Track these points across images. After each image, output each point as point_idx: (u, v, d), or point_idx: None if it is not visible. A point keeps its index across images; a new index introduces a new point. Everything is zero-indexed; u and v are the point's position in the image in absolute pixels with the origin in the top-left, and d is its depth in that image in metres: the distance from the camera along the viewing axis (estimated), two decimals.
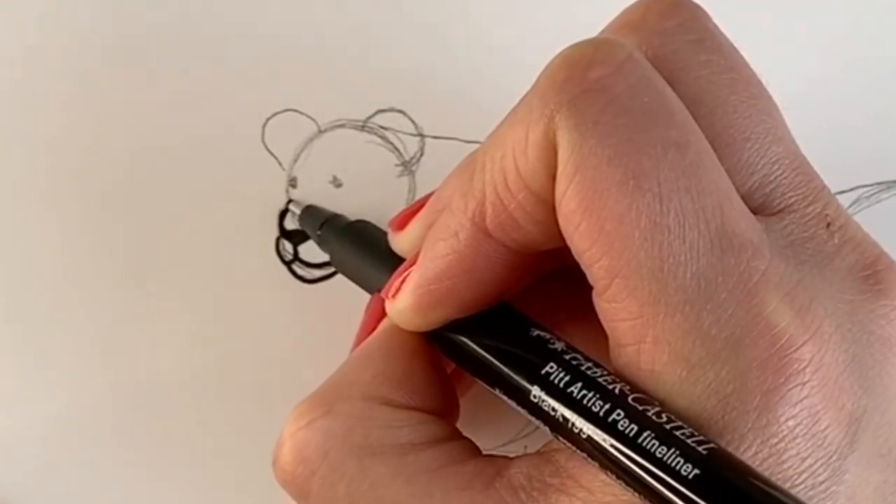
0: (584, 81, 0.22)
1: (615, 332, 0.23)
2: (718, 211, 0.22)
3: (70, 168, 0.35)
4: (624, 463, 0.22)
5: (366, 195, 0.35)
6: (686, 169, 0.22)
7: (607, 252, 0.22)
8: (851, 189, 0.36)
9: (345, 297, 0.34)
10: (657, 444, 0.21)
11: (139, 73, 0.36)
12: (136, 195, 0.35)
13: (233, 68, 0.36)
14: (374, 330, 0.28)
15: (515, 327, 0.25)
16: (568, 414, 0.23)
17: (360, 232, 0.33)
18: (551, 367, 0.24)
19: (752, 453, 0.21)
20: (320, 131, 0.36)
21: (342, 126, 0.36)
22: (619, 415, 0.22)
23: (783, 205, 0.24)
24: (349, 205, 0.35)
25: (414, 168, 0.36)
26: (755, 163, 0.24)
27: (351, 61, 0.36)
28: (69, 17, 0.36)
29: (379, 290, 0.29)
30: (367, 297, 0.32)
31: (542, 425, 0.24)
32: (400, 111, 0.36)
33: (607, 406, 0.22)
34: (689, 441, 0.21)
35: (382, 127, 0.36)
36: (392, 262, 0.29)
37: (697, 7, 0.25)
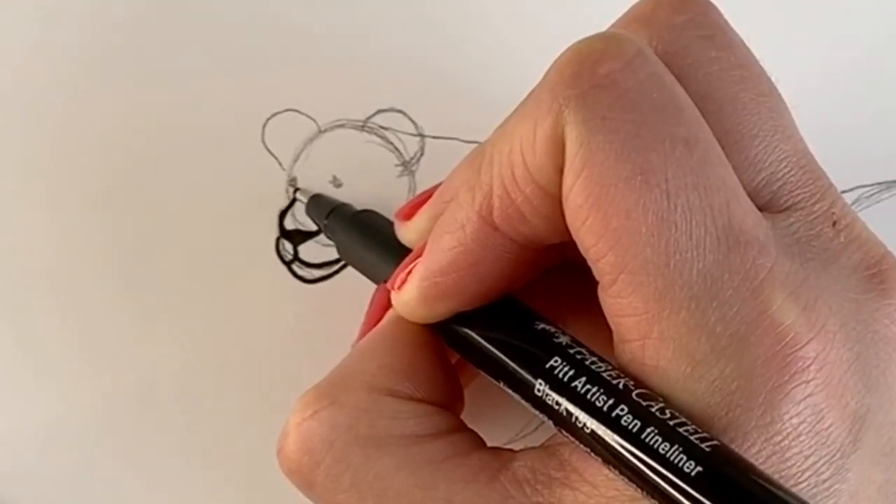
0: (594, 76, 0.22)
1: (620, 327, 0.23)
2: (725, 208, 0.22)
3: (69, 168, 0.35)
4: (627, 458, 0.22)
5: (366, 195, 0.35)
6: (694, 166, 0.22)
7: (613, 247, 0.22)
8: (851, 189, 0.36)
9: (345, 296, 0.34)
10: (660, 440, 0.21)
11: (139, 73, 0.36)
12: (136, 195, 0.35)
13: (233, 68, 0.36)
14: (379, 320, 0.28)
15: (520, 320, 0.25)
16: (571, 408, 0.23)
17: (367, 222, 0.33)
18: (556, 361, 0.24)
19: (755, 451, 0.21)
20: (320, 131, 0.36)
21: (342, 126, 0.36)
22: (622, 410, 0.22)
23: (790, 202, 0.24)
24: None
25: (414, 168, 0.36)
26: (763, 160, 0.24)
27: (351, 61, 0.36)
28: (68, 17, 0.36)
29: (385, 281, 0.29)
30: (367, 296, 0.32)
31: (545, 419, 0.24)
32: (400, 111, 0.36)
33: (611, 401, 0.22)
34: (692, 438, 0.21)
35: (382, 127, 0.36)
36: (398, 252, 0.29)
37: (708, 3, 0.25)
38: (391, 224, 0.30)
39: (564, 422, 0.23)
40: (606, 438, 0.22)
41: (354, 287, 0.33)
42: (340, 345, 0.32)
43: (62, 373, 0.34)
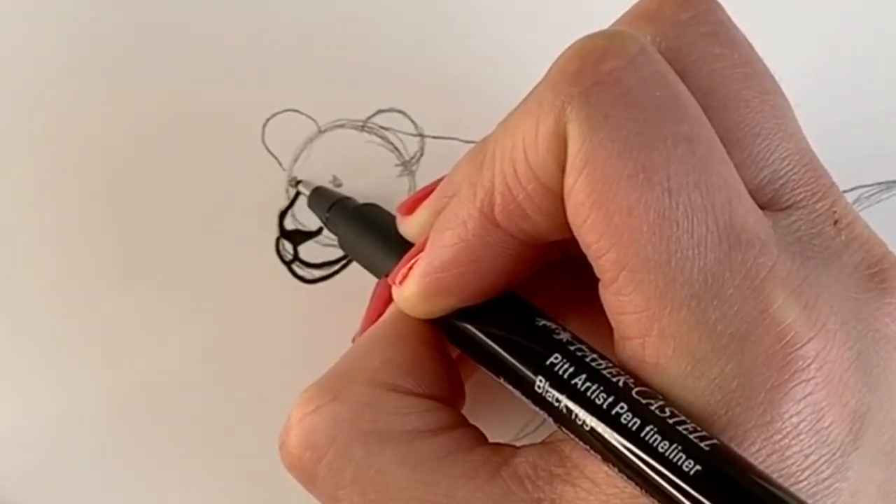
0: (596, 73, 0.22)
1: (621, 324, 0.23)
2: (727, 207, 0.22)
3: (69, 168, 0.35)
4: (626, 456, 0.22)
5: (366, 195, 0.35)
6: (696, 164, 0.22)
7: (615, 245, 0.22)
8: (851, 189, 0.36)
9: (345, 296, 0.34)
10: (659, 438, 0.21)
11: (139, 74, 0.36)
12: (136, 195, 0.35)
13: (233, 68, 0.36)
14: (380, 314, 0.28)
15: (521, 316, 0.25)
16: (571, 405, 0.23)
17: (369, 215, 0.33)
18: (556, 358, 0.24)
19: (755, 449, 0.21)
20: (320, 131, 0.36)
21: (342, 126, 0.36)
22: (622, 408, 0.22)
23: (791, 201, 0.24)
24: None
25: (414, 168, 0.36)
26: (765, 158, 0.24)
27: (351, 61, 0.36)
28: (68, 17, 0.36)
29: (386, 275, 0.29)
30: (367, 296, 0.32)
31: (545, 415, 0.24)
32: (400, 111, 0.36)
33: (611, 399, 0.22)
34: (691, 437, 0.21)
35: (382, 127, 0.36)
36: (400, 246, 0.29)
37: (713, 0, 0.25)
38: (393, 218, 0.30)
39: (564, 419, 0.23)
40: (606, 436, 0.22)
41: (354, 287, 0.33)
42: (340, 344, 0.32)
43: (62, 373, 0.34)
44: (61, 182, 0.35)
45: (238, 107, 0.36)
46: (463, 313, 0.26)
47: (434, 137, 0.36)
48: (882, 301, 0.23)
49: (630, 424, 0.22)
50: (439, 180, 0.28)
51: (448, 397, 0.27)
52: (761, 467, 0.21)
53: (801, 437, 0.21)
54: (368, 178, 0.35)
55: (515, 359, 0.25)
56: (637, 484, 0.22)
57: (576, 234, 0.23)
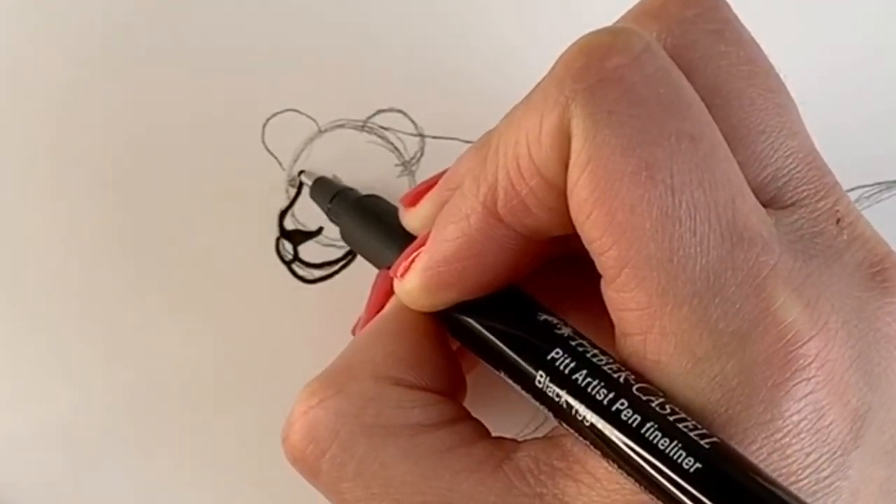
0: (601, 70, 0.22)
1: (622, 321, 0.23)
2: (730, 204, 0.22)
3: (69, 169, 0.35)
4: (625, 453, 0.22)
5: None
6: (699, 161, 0.22)
7: (617, 241, 0.22)
8: (851, 189, 0.36)
9: (345, 296, 0.34)
10: (659, 435, 0.21)
11: (139, 74, 0.36)
12: (136, 195, 0.35)
13: (233, 68, 0.36)
14: (382, 306, 0.28)
15: (523, 311, 0.25)
16: (571, 401, 0.23)
17: (372, 206, 0.33)
18: (557, 353, 0.24)
19: (755, 448, 0.21)
20: (320, 131, 0.36)
21: (342, 126, 0.36)
22: (622, 404, 0.22)
23: (794, 199, 0.24)
24: None
25: (414, 168, 0.36)
26: (769, 156, 0.24)
27: (351, 61, 0.36)
28: (68, 17, 0.36)
29: (388, 267, 0.29)
30: (367, 296, 0.32)
31: (546, 410, 0.24)
32: (400, 111, 0.36)
33: (611, 395, 0.22)
34: (691, 434, 0.21)
35: (382, 127, 0.36)
36: (402, 238, 0.29)
37: None
38: (395, 209, 0.30)
39: (564, 414, 0.23)
40: (606, 432, 0.22)
41: (354, 287, 0.33)
42: (340, 344, 0.31)
43: (63, 373, 0.34)
44: (61, 182, 0.35)
45: (238, 107, 0.36)
46: (464, 307, 0.26)
47: (434, 137, 0.36)
48: (884, 300, 0.23)
49: (630, 421, 0.22)
50: (442, 173, 0.28)
51: (450, 391, 0.27)
52: (762, 466, 0.21)
53: (802, 435, 0.21)
54: (368, 177, 0.35)
55: (516, 353, 0.25)
56: (637, 480, 0.22)
57: (578, 230, 0.23)
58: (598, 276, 0.23)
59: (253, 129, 0.36)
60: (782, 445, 0.21)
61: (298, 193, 0.35)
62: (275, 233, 0.35)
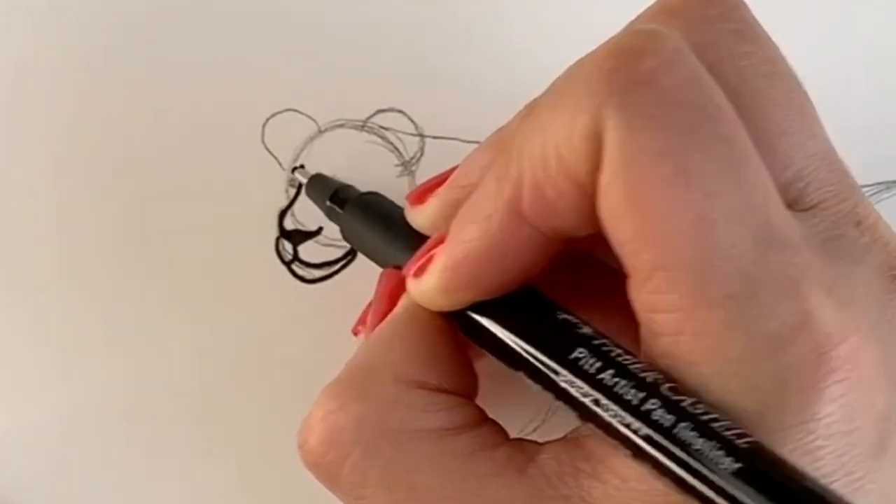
0: (634, 73, 0.22)
1: (652, 322, 0.22)
2: (763, 207, 0.22)
3: (70, 169, 0.35)
4: (657, 454, 0.21)
5: None
6: (734, 164, 0.22)
7: (651, 245, 0.21)
8: None
9: (345, 296, 0.34)
10: (695, 434, 0.21)
11: (139, 74, 0.36)
12: (136, 195, 0.35)
13: (233, 68, 0.36)
14: (390, 306, 0.28)
15: (542, 310, 0.25)
16: (601, 400, 0.22)
17: (373, 204, 0.32)
18: (581, 352, 0.23)
19: (789, 449, 0.21)
20: (320, 131, 0.36)
21: (342, 126, 0.36)
22: (653, 404, 0.22)
23: (815, 201, 0.24)
24: None
25: (414, 168, 0.36)
26: (791, 157, 0.24)
27: (351, 61, 0.36)
28: (68, 17, 0.36)
29: (397, 267, 0.28)
30: (367, 296, 0.32)
31: (570, 410, 0.24)
32: (400, 111, 0.36)
33: (641, 395, 0.22)
34: (727, 434, 0.21)
35: (382, 127, 0.36)
36: (408, 236, 0.28)
37: None
38: (398, 207, 0.30)
39: (591, 414, 0.23)
40: (637, 433, 0.22)
41: (354, 287, 0.33)
42: (340, 344, 0.31)
43: (63, 373, 0.34)
44: (61, 183, 0.35)
45: (238, 107, 0.36)
46: (482, 306, 0.26)
47: (434, 137, 0.36)
48: None
49: (663, 421, 0.21)
50: (450, 170, 0.27)
51: (466, 391, 0.26)
52: (797, 466, 0.21)
53: (834, 437, 0.21)
54: (368, 177, 0.35)
55: (538, 353, 0.24)
56: (671, 480, 0.21)
57: (608, 231, 0.23)
58: (610, 274, 0.23)
59: (253, 129, 0.36)
60: (815, 448, 0.21)
61: (298, 193, 0.35)
62: (274, 233, 0.35)
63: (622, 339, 0.24)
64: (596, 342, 0.23)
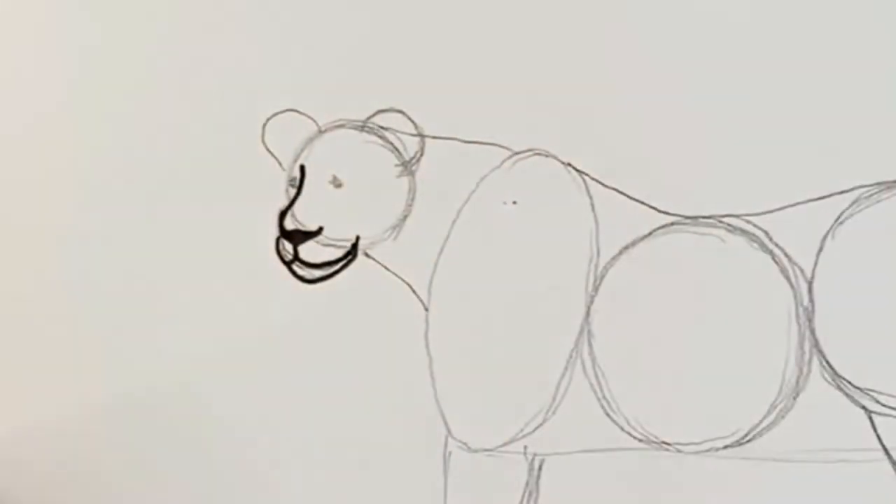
0: None
1: None
2: None
3: (70, 169, 0.35)
4: None
5: (366, 195, 0.35)
6: None
7: None
8: (851, 189, 0.36)
9: (345, 296, 0.34)
10: None
11: (139, 74, 0.36)
12: (137, 195, 0.35)
13: (233, 68, 0.36)
14: None
15: None
16: None
17: None
18: None
19: None
20: (320, 131, 0.36)
21: (342, 126, 0.36)
22: None
23: None
24: (349, 205, 0.35)
25: (414, 168, 0.36)
26: None
27: (351, 62, 0.36)
28: (69, 17, 0.36)
29: None
30: (367, 296, 0.32)
31: None
32: (400, 111, 0.36)
33: None
34: None
35: (382, 127, 0.36)
36: None
37: None
38: None
39: None
40: None
41: (354, 287, 0.33)
42: (340, 345, 0.32)
43: (61, 375, 0.34)
44: (61, 183, 0.35)
45: (238, 107, 0.36)
46: None
47: (434, 137, 0.36)
48: None
49: None
50: None
51: None
52: None
53: None
54: (368, 178, 0.35)
55: None
56: None
57: None
58: None
59: (253, 129, 0.36)
60: None
61: (298, 193, 0.35)
62: (275, 233, 0.35)
63: None
64: None
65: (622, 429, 0.45)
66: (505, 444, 0.34)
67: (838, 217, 0.42)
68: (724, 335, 0.41)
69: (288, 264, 0.35)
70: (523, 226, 0.37)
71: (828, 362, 0.44)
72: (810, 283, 0.42)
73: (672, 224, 0.44)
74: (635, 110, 0.38)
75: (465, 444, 0.42)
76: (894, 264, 0.37)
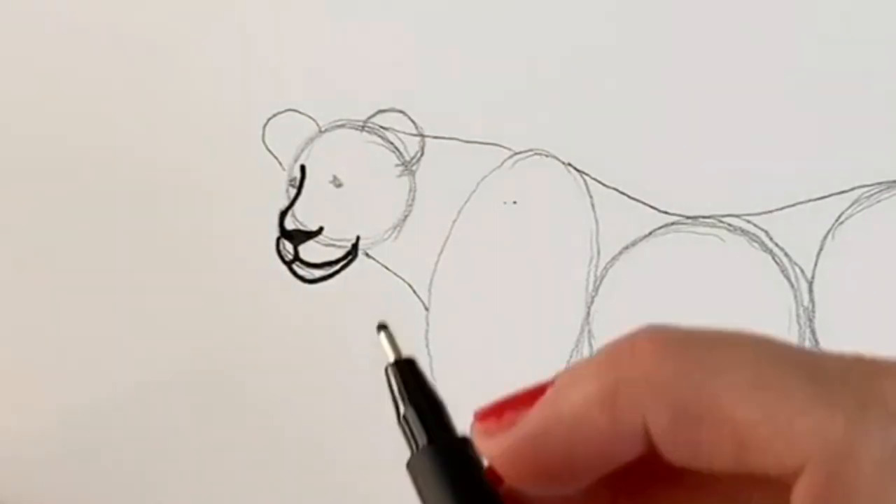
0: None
1: None
2: None
3: (70, 169, 0.35)
4: None
5: (366, 195, 0.35)
6: None
7: None
8: (851, 189, 0.36)
9: (345, 296, 0.34)
10: None
11: (139, 74, 0.36)
12: (137, 195, 0.35)
13: (233, 68, 0.36)
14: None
15: None
16: None
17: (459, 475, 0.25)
18: None
19: None
20: (320, 131, 0.36)
21: (342, 126, 0.36)
22: None
23: None
24: (349, 205, 0.35)
25: (414, 168, 0.36)
26: None
27: (351, 61, 0.36)
28: (69, 17, 0.36)
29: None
30: (367, 296, 0.32)
31: None
32: (400, 111, 0.36)
33: None
34: None
35: (382, 127, 0.36)
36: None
37: None
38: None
39: None
40: None
41: (354, 287, 0.33)
42: (340, 345, 0.32)
43: (61, 375, 0.34)
44: (61, 183, 0.35)
45: (238, 107, 0.36)
46: None
47: (434, 137, 0.36)
48: None
49: None
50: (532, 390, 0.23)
51: None
52: None
53: None
54: (368, 177, 0.35)
55: None
56: None
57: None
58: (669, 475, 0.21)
59: (253, 129, 0.36)
60: None
61: (298, 193, 0.35)
62: (275, 233, 0.35)
63: None
64: None
65: None
66: None
67: (838, 217, 0.42)
68: None
69: (288, 264, 0.35)
70: (523, 226, 0.37)
71: None
72: (810, 283, 0.42)
73: (672, 224, 0.44)
74: (635, 110, 0.38)
75: None
76: (894, 264, 0.38)
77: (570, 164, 0.40)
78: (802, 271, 0.43)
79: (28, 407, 0.33)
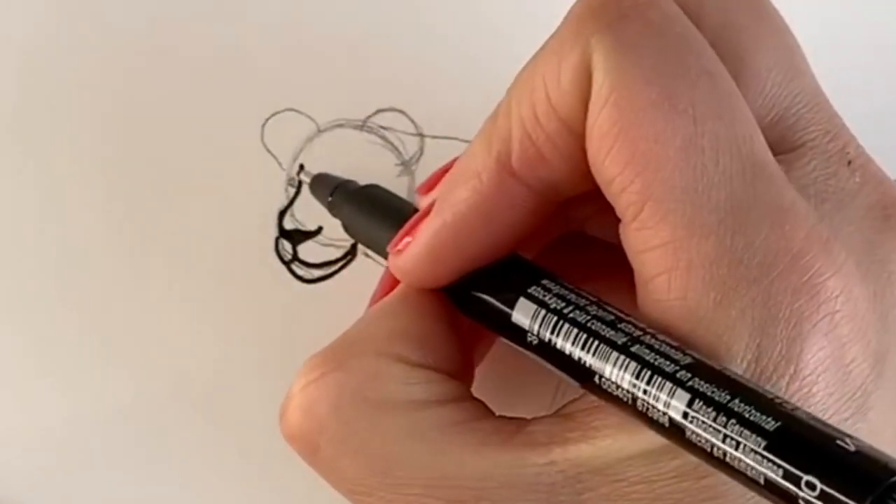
0: (620, 8, 0.22)
1: (645, 263, 0.22)
2: (749, 139, 0.22)
3: (70, 168, 0.35)
4: (667, 413, 0.20)
5: None
6: (719, 95, 0.22)
7: (640, 174, 0.21)
8: None
9: (345, 296, 0.34)
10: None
11: (139, 73, 0.36)
12: (136, 195, 0.35)
13: (233, 68, 0.36)
14: (388, 291, 0.28)
15: (533, 279, 0.24)
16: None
17: (373, 195, 0.32)
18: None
19: (784, 383, 0.20)
20: (320, 131, 0.36)
21: (342, 126, 0.36)
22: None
23: (803, 140, 0.24)
24: None
25: (414, 168, 0.36)
26: (777, 94, 0.24)
27: (351, 61, 0.36)
28: (70, 17, 0.36)
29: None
30: (367, 296, 0.32)
31: (569, 379, 0.23)
32: (400, 111, 0.36)
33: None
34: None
35: (382, 127, 0.36)
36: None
37: None
38: (398, 198, 0.29)
39: (593, 382, 0.22)
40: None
41: (354, 287, 0.33)
42: None
43: (61, 375, 0.34)
44: (60, 183, 0.35)
45: (238, 107, 0.36)
46: (474, 281, 0.25)
47: (434, 137, 0.36)
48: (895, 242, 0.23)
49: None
50: (456, 159, 0.27)
51: (457, 371, 0.26)
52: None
53: (827, 373, 0.21)
54: (368, 177, 0.35)
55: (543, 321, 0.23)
56: (684, 446, 0.20)
57: (597, 172, 0.22)
58: (607, 252, 0.23)
59: (253, 129, 0.36)
60: (808, 383, 0.21)
61: (298, 193, 0.35)
62: (274, 233, 0.35)
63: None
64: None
65: None
66: None
67: None
68: None
69: (288, 264, 0.35)
70: None
71: None
72: None
73: None
74: None
75: None
76: None
77: None
78: None
79: (29, 407, 0.33)
